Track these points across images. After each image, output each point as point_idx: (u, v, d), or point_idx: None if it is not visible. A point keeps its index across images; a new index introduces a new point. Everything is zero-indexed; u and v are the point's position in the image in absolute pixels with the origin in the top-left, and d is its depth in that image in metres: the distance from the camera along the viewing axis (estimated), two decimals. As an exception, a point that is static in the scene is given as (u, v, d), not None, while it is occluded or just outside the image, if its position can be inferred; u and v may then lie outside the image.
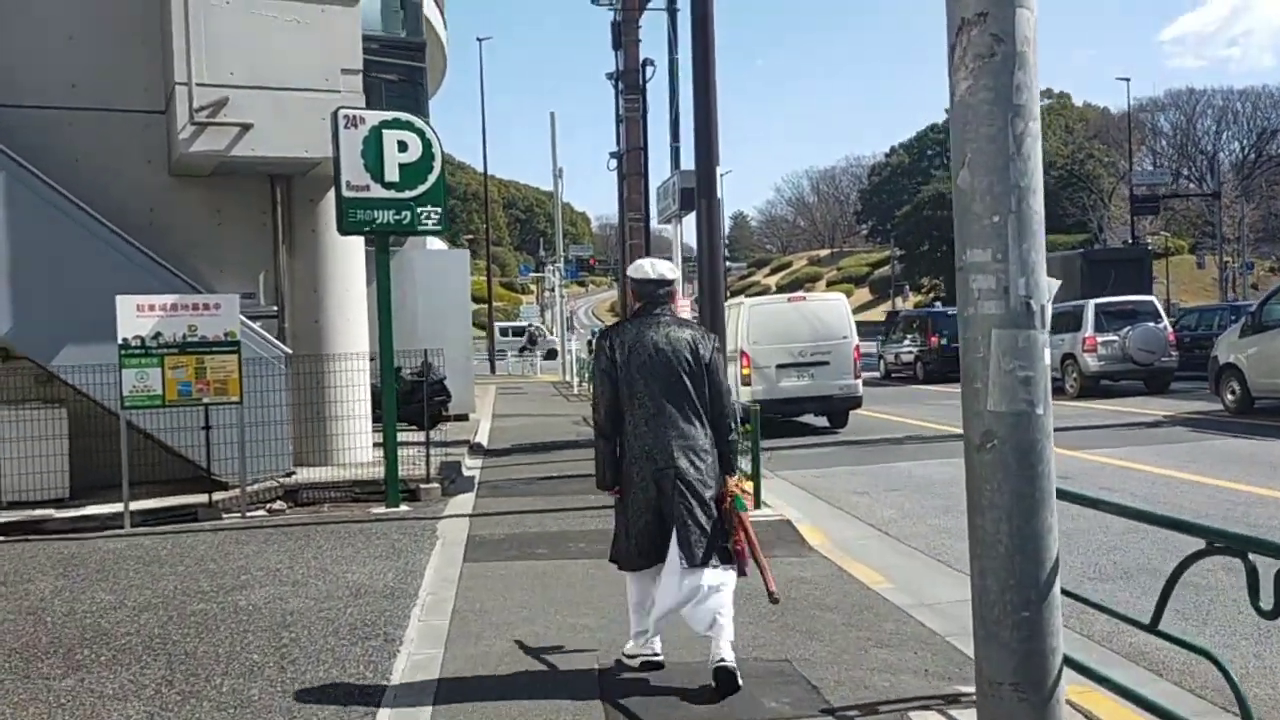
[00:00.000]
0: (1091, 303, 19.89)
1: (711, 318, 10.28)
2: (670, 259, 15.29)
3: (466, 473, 11.85)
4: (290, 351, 10.99)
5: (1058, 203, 60.95)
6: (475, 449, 14.23)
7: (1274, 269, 59.65)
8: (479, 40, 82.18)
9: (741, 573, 4.64)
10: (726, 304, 13.31)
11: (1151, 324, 19.39)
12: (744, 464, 8.95)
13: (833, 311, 16.05)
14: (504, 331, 53.00)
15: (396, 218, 9.55)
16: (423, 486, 10.25)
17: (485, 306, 46.92)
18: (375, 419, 11.58)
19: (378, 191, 9.45)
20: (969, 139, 3.43)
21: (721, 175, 10.65)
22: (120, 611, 6.27)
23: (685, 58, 17.15)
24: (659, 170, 46.78)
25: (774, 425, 14.52)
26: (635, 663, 4.81)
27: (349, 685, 4.80)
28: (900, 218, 79.22)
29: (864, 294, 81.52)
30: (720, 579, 4.55)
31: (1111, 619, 4.78)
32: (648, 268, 4.85)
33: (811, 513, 8.94)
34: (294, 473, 10.69)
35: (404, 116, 9.76)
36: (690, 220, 14.85)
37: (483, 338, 44.04)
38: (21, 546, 8.47)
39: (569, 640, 5.37)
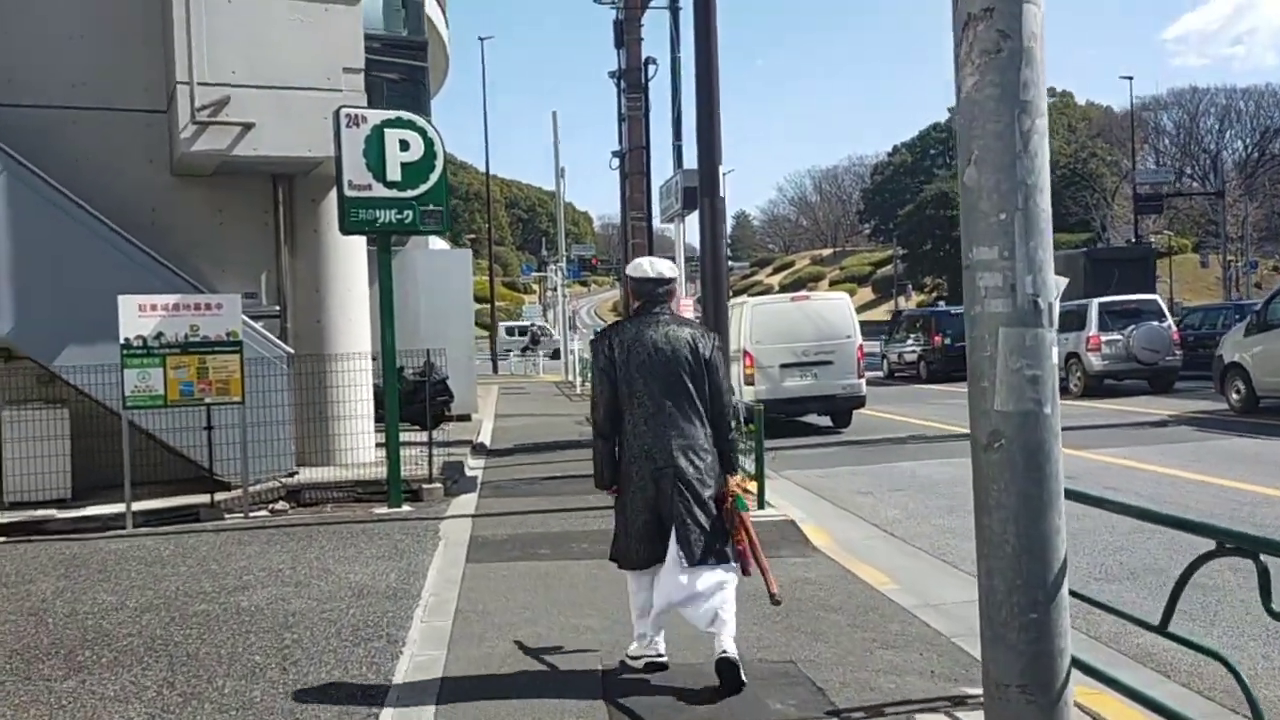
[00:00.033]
0: (1095, 302, 19.84)
1: (715, 317, 10.25)
2: (670, 258, 15.25)
3: (469, 473, 11.83)
4: (292, 351, 10.97)
5: (1060, 202, 60.70)
6: (478, 449, 14.21)
7: (1277, 268, 59.57)
8: (481, 40, 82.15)
9: (745, 572, 4.63)
10: (729, 303, 13.27)
11: (1156, 323, 19.33)
12: (748, 464, 8.94)
13: (836, 311, 16.02)
14: (510, 331, 52.89)
15: (398, 217, 9.53)
16: (425, 487, 10.23)
17: (488, 306, 46.89)
18: (378, 419, 11.57)
19: (380, 191, 9.41)
20: (975, 136, 3.41)
21: (724, 174, 10.60)
22: (122, 612, 6.25)
23: (687, 56, 17.10)
24: (661, 169, 46.78)
25: (777, 425, 14.48)
26: (639, 664, 4.79)
27: (351, 686, 4.78)
28: (903, 217, 79.15)
29: (867, 293, 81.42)
30: (720, 577, 4.54)
31: (1118, 620, 4.75)
32: (646, 266, 4.84)
33: (815, 513, 8.91)
34: (296, 473, 10.67)
35: (406, 115, 9.74)
36: (693, 219, 14.82)
37: (485, 338, 44.02)
38: (24, 547, 8.46)
39: (572, 641, 5.35)
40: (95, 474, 10.03)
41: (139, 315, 9.13)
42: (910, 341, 27.46)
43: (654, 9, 21.40)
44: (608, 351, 4.69)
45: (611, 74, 23.35)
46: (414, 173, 9.52)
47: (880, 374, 27.58)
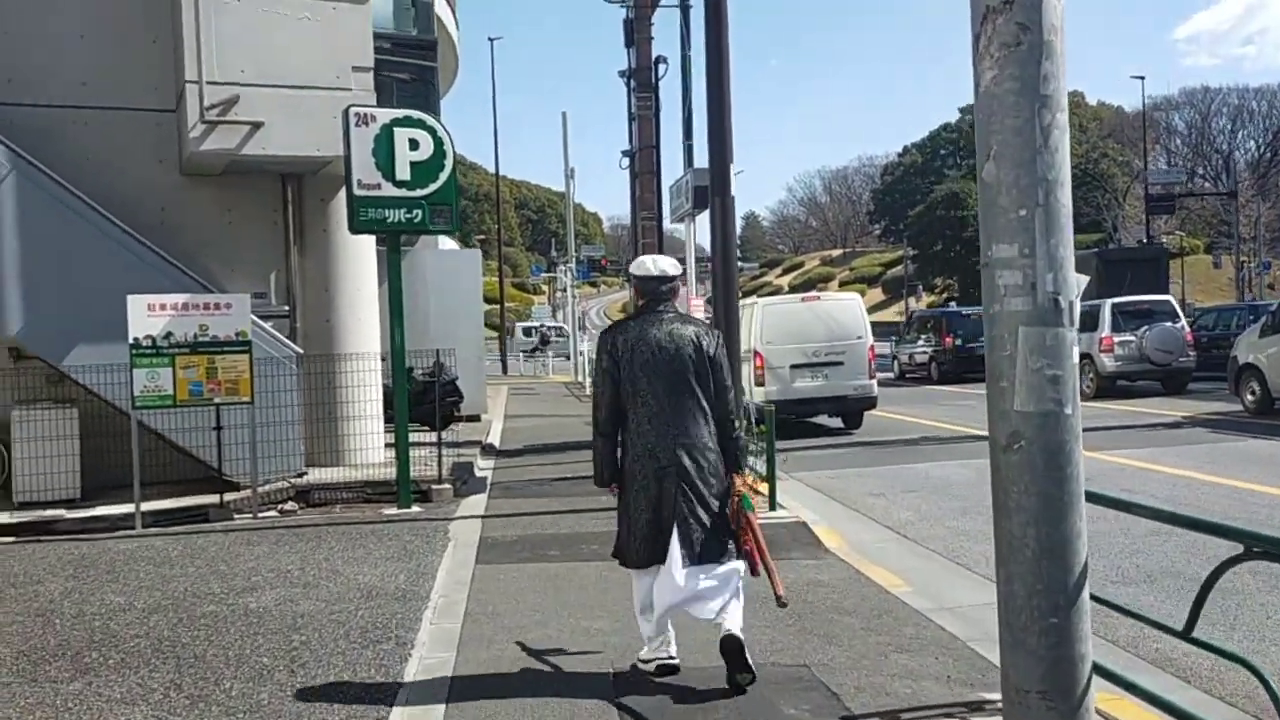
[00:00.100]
0: (1108, 302, 19.71)
1: (725, 316, 10.18)
2: (681, 258, 15.19)
3: (479, 473, 11.79)
4: (302, 351, 10.95)
5: (1071, 202, 60.47)
6: (487, 450, 14.17)
7: (1290, 268, 59.16)
8: (490, 40, 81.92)
9: (753, 573, 4.59)
10: (740, 304, 13.21)
11: (1169, 324, 19.20)
12: (759, 465, 8.88)
13: (847, 311, 15.93)
14: (527, 331, 52.77)
15: (408, 216, 9.48)
16: (435, 487, 10.19)
17: (497, 307, 46.89)
18: (387, 419, 11.53)
19: (389, 190, 9.38)
20: (994, 131, 3.34)
21: (734, 175, 10.52)
22: (129, 613, 6.21)
23: (698, 54, 17.07)
24: (672, 169, 46.63)
25: (788, 426, 14.40)
26: (650, 667, 4.74)
27: (360, 689, 4.73)
28: (913, 217, 78.90)
29: (877, 294, 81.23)
30: (723, 573, 4.53)
31: (1135, 624, 4.68)
32: (649, 264, 4.81)
33: (827, 514, 8.84)
34: (305, 473, 10.64)
35: (415, 114, 9.70)
36: (703, 220, 14.77)
37: (495, 338, 44.01)
38: (32, 547, 8.44)
39: (582, 643, 5.29)
40: (104, 474, 10.02)
41: (148, 315, 9.10)
42: (921, 342, 27.36)
43: (664, 7, 21.37)
44: (611, 350, 4.68)
45: (621, 73, 23.36)
46: (423, 172, 9.48)
47: (891, 375, 27.48)
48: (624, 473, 4.69)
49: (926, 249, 74.88)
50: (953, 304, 53.28)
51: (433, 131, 9.57)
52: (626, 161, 24.50)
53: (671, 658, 4.72)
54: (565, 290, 42.88)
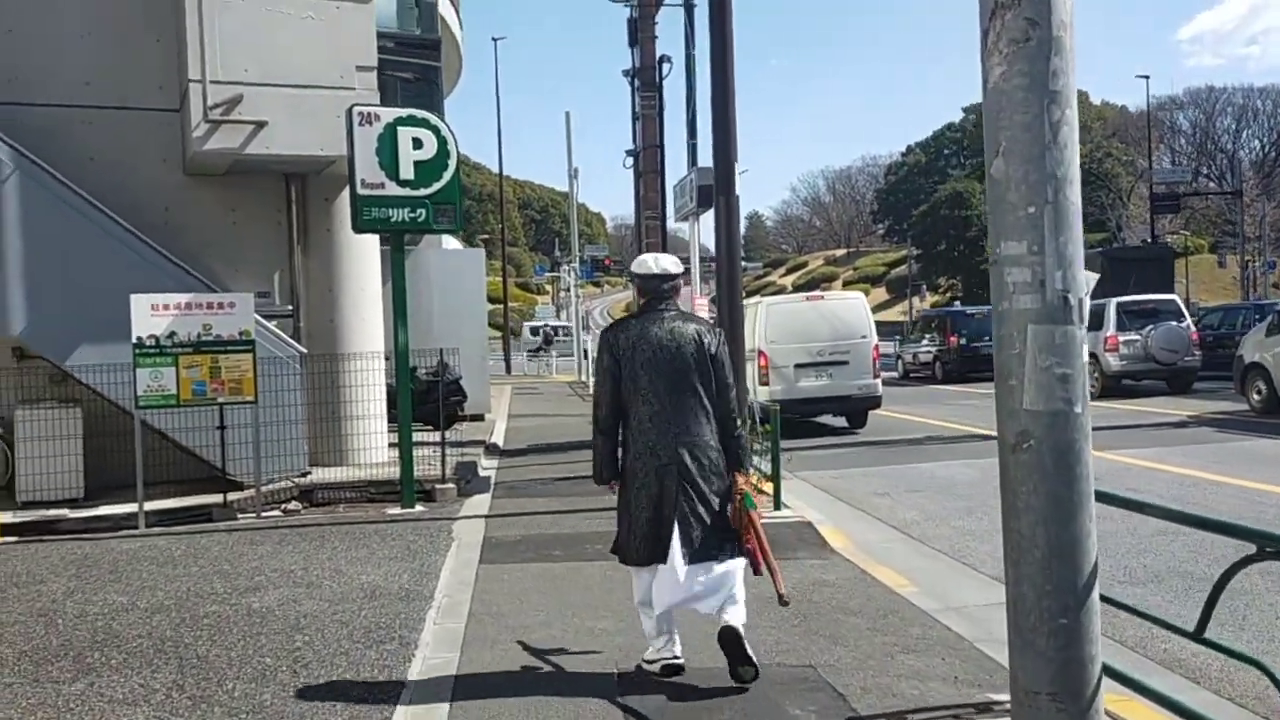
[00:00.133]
0: (1113, 301, 19.65)
1: (730, 315, 10.15)
2: (685, 258, 15.16)
3: (482, 473, 11.77)
4: (305, 351, 10.93)
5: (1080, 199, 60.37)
6: (491, 449, 14.15)
7: (1296, 268, 58.99)
8: (494, 40, 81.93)
9: (755, 572, 4.59)
10: (744, 303, 13.18)
11: (1174, 323, 19.14)
12: (764, 465, 8.84)
13: (852, 310, 15.89)
14: (534, 331, 52.64)
15: (411, 215, 9.46)
16: (438, 487, 10.17)
17: (500, 307, 46.87)
18: (391, 419, 11.51)
19: (392, 189, 9.35)
20: (1003, 127, 3.31)
21: (739, 174, 10.49)
22: (132, 613, 6.19)
23: (702, 54, 17.03)
24: (676, 168, 46.66)
25: (792, 425, 14.37)
26: (655, 667, 4.72)
27: (363, 691, 4.70)
28: (917, 217, 78.84)
29: (881, 293, 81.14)
30: (723, 570, 4.53)
31: (1142, 624, 4.65)
32: (651, 263, 4.81)
33: (832, 514, 8.80)
34: (309, 473, 10.62)
35: (419, 113, 9.68)
36: (707, 220, 14.75)
37: (498, 338, 43.98)
38: (35, 547, 8.42)
39: (586, 644, 5.27)
40: (108, 474, 10.01)
41: (152, 314, 9.09)
42: (925, 342, 27.31)
43: (668, 6, 21.34)
44: (612, 348, 4.68)
45: (625, 72, 23.34)
46: (427, 171, 9.45)
47: (895, 374, 27.43)
48: (625, 471, 4.68)
49: (930, 248, 74.84)
50: (957, 303, 53.22)
51: (436, 130, 9.55)
52: (630, 161, 24.49)
53: (676, 657, 4.69)
54: (569, 290, 42.89)
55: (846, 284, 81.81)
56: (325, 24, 10.60)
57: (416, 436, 10.05)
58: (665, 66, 21.92)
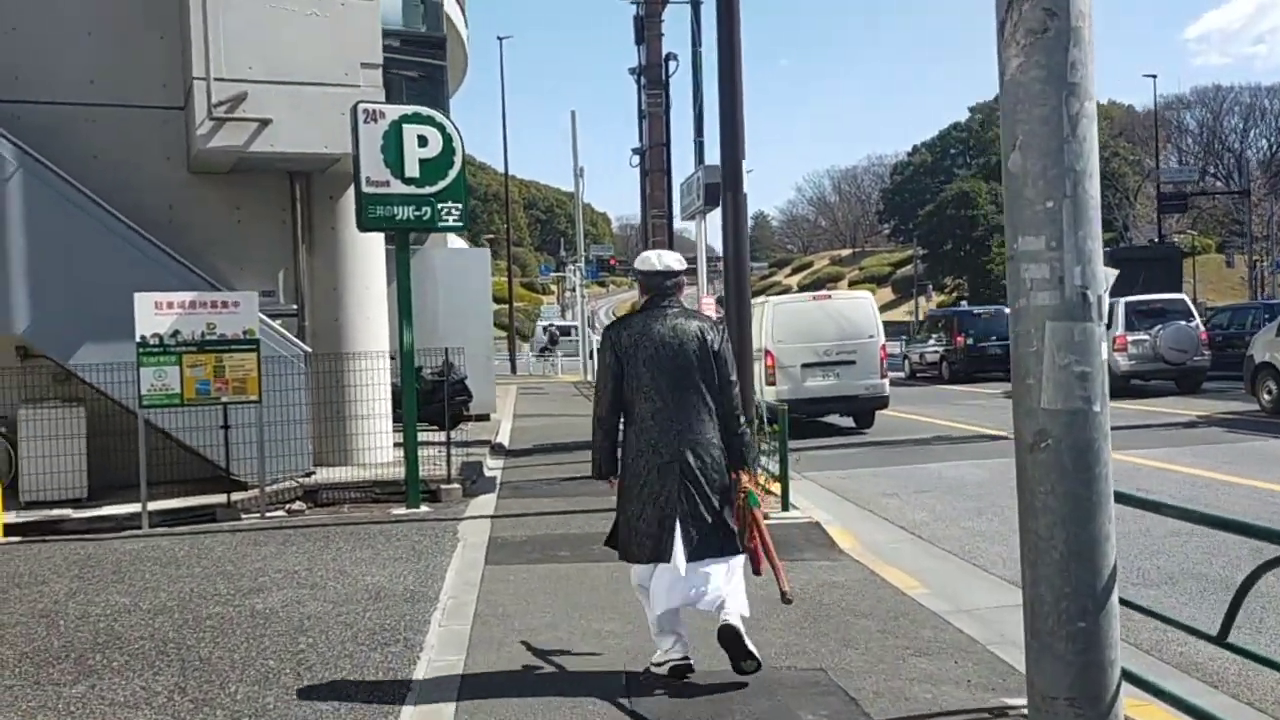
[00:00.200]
0: (1122, 301, 19.53)
1: (737, 313, 10.06)
2: (689, 255, 15.07)
3: (488, 473, 11.71)
4: (310, 350, 10.88)
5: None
6: (496, 449, 14.09)
7: (1304, 268, 58.76)
8: (499, 39, 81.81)
9: (756, 572, 4.57)
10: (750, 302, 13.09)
11: (1183, 323, 19.04)
12: (772, 465, 8.77)
13: (859, 310, 15.81)
14: (545, 330, 52.49)
15: (416, 214, 9.40)
16: (444, 487, 10.10)
17: (506, 307, 46.82)
18: (395, 419, 11.46)
19: (398, 187, 9.29)
20: (1020, 120, 3.24)
21: (745, 173, 10.40)
22: (135, 615, 6.14)
23: (709, 52, 16.96)
24: (682, 167, 46.58)
25: (799, 425, 14.27)
26: (664, 669, 4.66)
27: (368, 693, 4.64)
28: (923, 217, 78.63)
29: (886, 293, 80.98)
30: (723, 568, 4.51)
31: (1159, 627, 4.57)
32: (654, 259, 4.79)
33: (841, 515, 8.73)
34: (313, 473, 10.57)
35: (424, 111, 9.61)
36: (713, 220, 14.63)
37: (504, 338, 43.93)
38: (38, 547, 8.37)
39: (593, 645, 5.21)
40: (111, 473, 9.97)
41: (155, 313, 9.04)
42: (932, 341, 27.21)
43: (675, 4, 21.22)
44: (615, 345, 4.66)
45: (632, 70, 23.24)
46: (432, 169, 9.39)
47: (902, 374, 27.33)
48: (627, 468, 4.65)
49: (936, 248, 74.65)
50: (963, 303, 53.08)
51: (442, 128, 9.48)
52: (636, 160, 24.40)
53: (685, 659, 4.63)
54: (574, 290, 42.84)
55: (852, 284, 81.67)
56: (330, 21, 10.54)
57: (421, 436, 9.99)
58: (672, 64, 21.82)
